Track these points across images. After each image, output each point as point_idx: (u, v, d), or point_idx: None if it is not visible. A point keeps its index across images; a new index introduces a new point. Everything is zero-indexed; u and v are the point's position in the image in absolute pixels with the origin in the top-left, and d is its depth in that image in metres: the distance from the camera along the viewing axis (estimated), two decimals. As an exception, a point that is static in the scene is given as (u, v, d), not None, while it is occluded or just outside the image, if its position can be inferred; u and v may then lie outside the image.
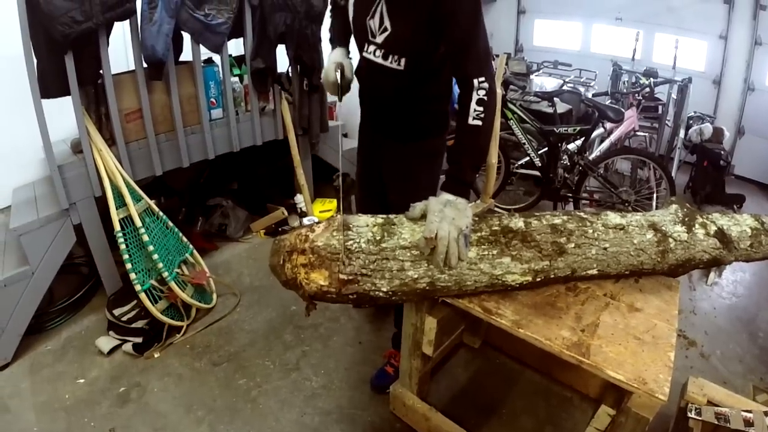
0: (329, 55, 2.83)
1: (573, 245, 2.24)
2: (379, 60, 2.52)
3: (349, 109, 2.74)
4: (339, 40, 2.85)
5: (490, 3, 9.45)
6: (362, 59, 2.69)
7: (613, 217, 2.38)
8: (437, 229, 2.02)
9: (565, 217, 2.33)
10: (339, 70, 2.68)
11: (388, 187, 2.96)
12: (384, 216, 2.26)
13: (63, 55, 3.37)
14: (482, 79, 2.22)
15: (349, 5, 2.53)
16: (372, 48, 2.54)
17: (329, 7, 2.97)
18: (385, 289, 2.07)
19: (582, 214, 2.39)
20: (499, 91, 3.22)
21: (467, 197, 2.21)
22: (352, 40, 2.75)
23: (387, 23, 2.38)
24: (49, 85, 3.42)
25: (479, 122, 2.23)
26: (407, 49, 2.42)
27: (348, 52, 2.84)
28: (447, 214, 2.06)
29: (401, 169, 2.86)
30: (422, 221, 2.16)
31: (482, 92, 2.22)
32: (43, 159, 3.81)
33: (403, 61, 2.45)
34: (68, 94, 3.50)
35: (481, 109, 2.22)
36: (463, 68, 2.30)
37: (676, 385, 2.17)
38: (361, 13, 2.48)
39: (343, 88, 2.73)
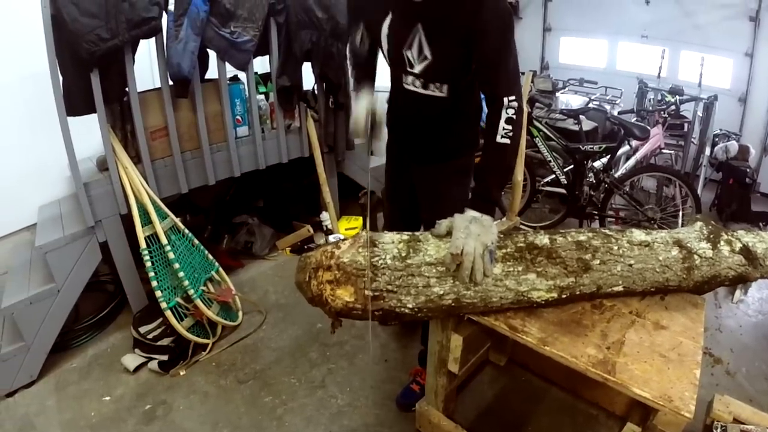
0: (355, 99, 2.72)
1: (598, 262, 2.25)
2: (420, 90, 2.54)
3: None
4: (365, 80, 2.79)
5: (516, 20, 9.43)
6: (398, 90, 2.67)
7: (638, 234, 2.39)
8: (463, 245, 2.03)
9: (590, 234, 2.35)
10: (370, 117, 2.60)
11: (422, 206, 2.98)
12: (410, 233, 2.28)
13: (89, 73, 3.43)
14: (512, 98, 2.24)
15: (383, 37, 2.50)
16: (410, 78, 2.54)
17: (348, 54, 2.92)
18: (410, 306, 2.09)
19: (607, 231, 2.40)
20: (525, 108, 3.23)
21: (492, 214, 2.23)
22: (381, 73, 2.76)
23: (427, 51, 2.36)
24: (75, 102, 3.48)
25: (507, 140, 2.25)
26: (449, 75, 2.44)
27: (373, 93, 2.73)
28: (473, 231, 2.07)
29: (434, 188, 2.86)
30: (448, 238, 2.16)
31: (511, 111, 2.24)
32: (69, 176, 3.87)
33: (445, 87, 2.48)
34: (94, 111, 3.56)
35: (510, 127, 2.24)
36: (493, 87, 2.32)
37: (701, 403, 2.18)
38: (397, 44, 2.45)
39: (375, 137, 2.66)
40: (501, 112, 2.24)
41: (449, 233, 2.17)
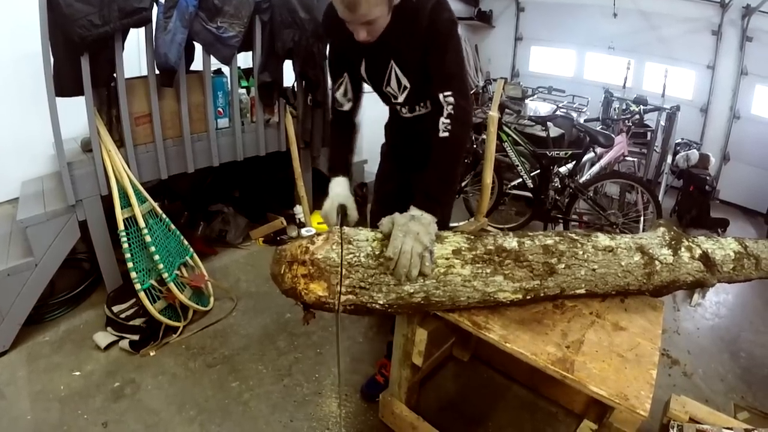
0: (331, 186, 2.64)
1: (563, 266, 2.25)
2: (408, 114, 2.66)
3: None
4: (340, 166, 2.72)
5: (489, 29, 9.66)
6: (392, 113, 2.83)
7: (603, 239, 2.39)
8: (401, 244, 2.02)
9: (557, 238, 2.33)
10: (341, 214, 2.50)
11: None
12: (383, 231, 2.24)
13: (79, 57, 3.43)
14: (447, 93, 2.26)
15: (363, 74, 2.59)
16: (398, 107, 2.66)
17: (330, 116, 2.91)
18: (381, 302, 2.06)
19: (573, 235, 2.39)
20: (496, 114, 3.23)
21: (434, 213, 2.20)
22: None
23: (405, 82, 2.47)
24: (64, 84, 3.48)
25: (447, 134, 2.25)
26: (428, 94, 2.47)
27: (351, 182, 2.69)
28: (411, 229, 2.05)
29: None
30: None
31: (450, 107, 2.25)
32: (53, 155, 3.90)
33: (428, 103, 2.55)
34: (82, 94, 3.56)
35: (449, 121, 2.25)
36: (432, 87, 2.33)
37: (658, 403, 2.17)
38: (377, 84, 2.58)
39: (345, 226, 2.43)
40: (442, 111, 2.27)
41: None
